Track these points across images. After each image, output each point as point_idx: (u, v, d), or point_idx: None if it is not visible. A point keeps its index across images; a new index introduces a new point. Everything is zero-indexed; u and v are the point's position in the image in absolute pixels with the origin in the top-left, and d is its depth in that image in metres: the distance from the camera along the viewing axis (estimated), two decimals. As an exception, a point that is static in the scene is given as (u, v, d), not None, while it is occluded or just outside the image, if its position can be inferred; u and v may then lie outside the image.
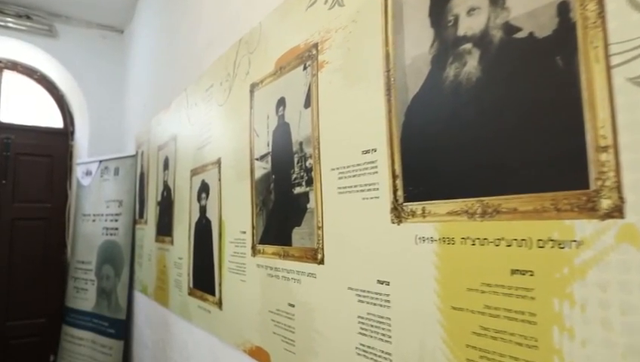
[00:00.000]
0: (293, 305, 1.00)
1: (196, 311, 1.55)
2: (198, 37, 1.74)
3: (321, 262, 0.91)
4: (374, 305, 0.77)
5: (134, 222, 2.58)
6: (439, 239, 0.66)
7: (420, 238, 0.69)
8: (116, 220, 2.65)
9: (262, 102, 1.18)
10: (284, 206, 1.05)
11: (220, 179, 1.40)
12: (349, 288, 0.83)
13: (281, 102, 1.08)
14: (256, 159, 1.19)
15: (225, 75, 1.41)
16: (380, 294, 0.76)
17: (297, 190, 1.00)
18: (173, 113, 1.95)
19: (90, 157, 3.00)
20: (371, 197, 0.79)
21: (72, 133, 3.51)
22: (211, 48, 1.58)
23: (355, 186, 0.83)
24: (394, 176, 0.74)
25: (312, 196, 0.95)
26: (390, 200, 0.75)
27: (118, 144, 3.24)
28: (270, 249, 1.10)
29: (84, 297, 2.75)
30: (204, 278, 1.48)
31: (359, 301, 0.80)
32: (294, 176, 1.01)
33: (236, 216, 1.29)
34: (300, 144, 1.00)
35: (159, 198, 2.11)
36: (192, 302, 1.60)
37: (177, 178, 1.85)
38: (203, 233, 1.51)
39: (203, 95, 1.60)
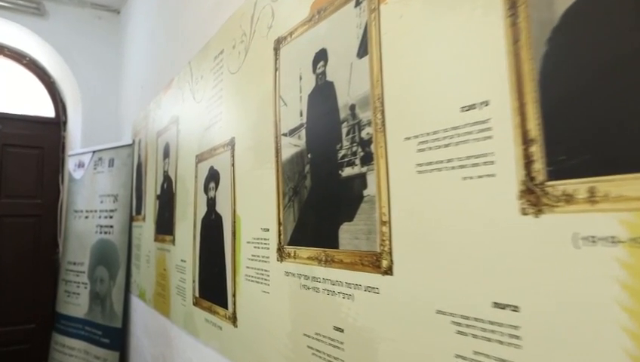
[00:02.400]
0: (341, 330, 0.73)
1: (204, 326, 1.28)
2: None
3: (388, 271, 0.64)
4: (489, 340, 0.50)
5: (131, 219, 2.31)
6: (630, 240, 0.39)
7: (585, 238, 0.42)
8: (111, 217, 2.38)
9: (291, 60, 0.90)
10: (326, 194, 0.78)
11: (233, 164, 1.13)
12: (439, 311, 0.56)
13: (321, 56, 0.81)
14: (284, 135, 0.91)
15: (239, 35, 1.14)
16: (501, 324, 0.49)
17: (347, 172, 0.73)
18: (175, 91, 1.68)
19: (83, 148, 2.73)
20: (480, 176, 0.52)
21: (65, 122, 3.24)
22: (220, 8, 1.31)
23: (450, 161, 0.55)
24: (526, 141, 0.47)
25: (371, 179, 0.68)
26: (519, 179, 0.48)
27: (113, 134, 2.96)
28: (305, 252, 0.83)
29: (75, 302, 2.49)
30: (214, 286, 1.21)
31: (459, 332, 0.53)
32: (342, 152, 0.74)
33: (256, 210, 1.02)
34: (352, 108, 0.73)
35: (159, 191, 1.84)
36: (198, 313, 1.33)
37: (180, 166, 1.58)
38: (212, 231, 1.25)
39: (211, 65, 1.33)
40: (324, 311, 0.77)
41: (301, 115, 0.86)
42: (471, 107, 0.53)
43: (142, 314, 2.06)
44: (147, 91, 2.22)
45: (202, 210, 1.33)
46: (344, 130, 0.74)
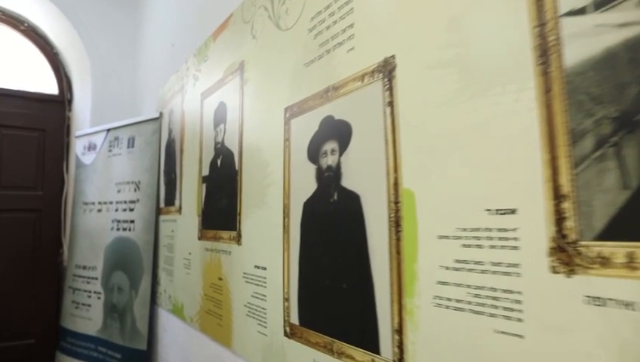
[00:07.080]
0: None
1: (312, 372, 0.81)
2: None
3: None
4: None
5: (158, 212, 1.83)
6: None
7: None
8: (131, 209, 1.90)
9: None
10: None
11: (391, 103, 0.66)
12: None
13: None
14: (571, 14, 0.44)
15: None
16: None
17: None
18: (237, 29, 1.21)
19: (94, 127, 2.25)
20: None
21: (70, 101, 2.76)
22: None
23: None
24: None
25: None
26: None
27: (129, 111, 2.49)
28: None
29: (86, 316, 2.00)
30: (337, 311, 0.74)
31: None
32: None
33: (464, 177, 0.54)
34: None
35: (206, 172, 1.37)
36: (298, 350, 0.86)
37: (248, 131, 1.11)
38: (332, 221, 0.77)
39: (318, -37, 0.86)
40: None
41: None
42: None
43: (177, 336, 1.58)
44: (180, 49, 1.75)
45: (305, 189, 0.85)
46: None
